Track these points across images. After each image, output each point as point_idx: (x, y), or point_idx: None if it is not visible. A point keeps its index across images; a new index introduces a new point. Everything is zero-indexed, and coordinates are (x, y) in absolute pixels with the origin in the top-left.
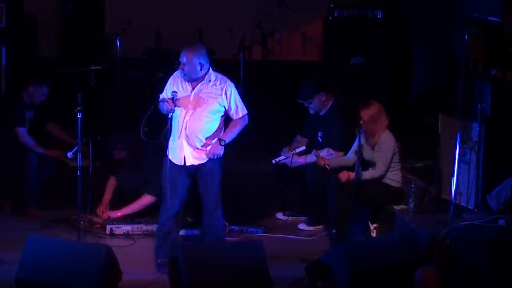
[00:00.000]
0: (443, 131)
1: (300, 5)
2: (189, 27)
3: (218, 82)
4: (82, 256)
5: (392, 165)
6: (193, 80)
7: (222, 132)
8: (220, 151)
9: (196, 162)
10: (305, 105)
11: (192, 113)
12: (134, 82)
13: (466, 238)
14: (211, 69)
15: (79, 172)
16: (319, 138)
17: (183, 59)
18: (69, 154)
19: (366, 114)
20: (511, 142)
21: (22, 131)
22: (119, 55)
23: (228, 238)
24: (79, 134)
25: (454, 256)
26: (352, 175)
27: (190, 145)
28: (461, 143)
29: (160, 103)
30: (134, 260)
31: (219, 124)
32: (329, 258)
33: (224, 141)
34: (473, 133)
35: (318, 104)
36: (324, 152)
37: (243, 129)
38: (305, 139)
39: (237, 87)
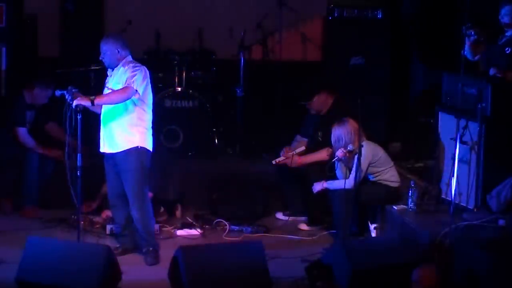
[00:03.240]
0: (442, 131)
1: (300, 5)
2: (189, 27)
3: (126, 67)
4: (82, 256)
5: (383, 167)
6: (111, 68)
7: (138, 117)
8: (83, 102)
9: (110, 150)
10: (306, 105)
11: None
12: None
13: (466, 238)
14: (128, 58)
15: (79, 172)
16: (319, 138)
17: (101, 48)
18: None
19: (332, 134)
20: (511, 142)
21: (22, 131)
22: None
23: (228, 238)
24: (79, 134)
25: (454, 256)
26: (324, 184)
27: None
28: (461, 143)
29: None
30: (134, 260)
31: (132, 112)
32: (329, 258)
33: (95, 97)
34: (473, 133)
35: (319, 104)
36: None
37: (124, 101)
38: (305, 139)
39: (237, 87)
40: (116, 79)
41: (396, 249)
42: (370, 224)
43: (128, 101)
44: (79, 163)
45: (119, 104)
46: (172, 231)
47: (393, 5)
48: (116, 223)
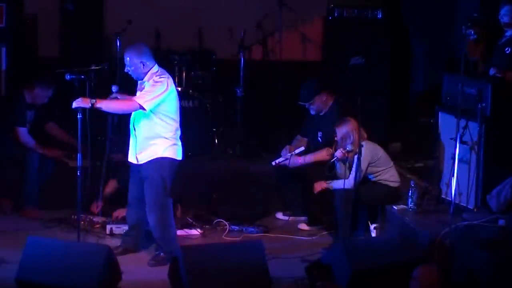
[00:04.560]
0: (442, 131)
1: (300, 5)
2: (189, 27)
3: (150, 79)
4: (82, 256)
5: (383, 167)
6: (140, 79)
7: (161, 129)
8: (82, 104)
9: (134, 161)
10: (306, 106)
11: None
12: (134, 82)
13: (466, 238)
14: (154, 68)
15: (79, 172)
16: (319, 138)
17: (125, 60)
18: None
19: (338, 132)
20: (511, 142)
21: (22, 131)
22: (119, 55)
23: (228, 238)
24: (79, 134)
25: (454, 256)
26: (325, 185)
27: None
28: (461, 143)
29: None
30: (134, 260)
31: (155, 124)
32: (329, 258)
33: (95, 101)
34: (473, 133)
35: (319, 104)
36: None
37: (130, 111)
38: (305, 139)
39: (237, 87)
40: (142, 89)
41: (396, 249)
42: (370, 224)
43: (150, 113)
44: (79, 163)
45: (143, 116)
46: None
47: (393, 5)
48: (127, 222)
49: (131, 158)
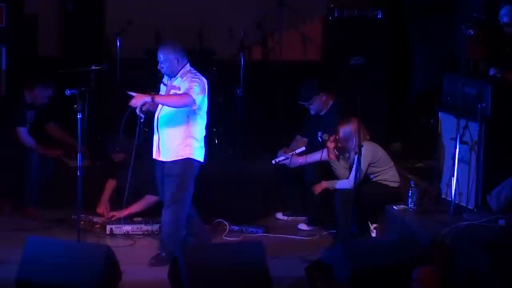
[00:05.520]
0: (443, 131)
1: (300, 5)
2: (189, 27)
3: (185, 77)
4: (82, 256)
5: (383, 167)
6: (170, 77)
7: (193, 129)
8: (142, 99)
9: (161, 159)
10: (306, 106)
11: (161, 110)
12: (134, 82)
13: (466, 238)
14: (187, 66)
15: (79, 172)
16: (319, 138)
17: (160, 57)
18: None
19: (341, 131)
20: (511, 142)
21: (22, 131)
22: (119, 55)
23: (228, 238)
24: (79, 135)
25: (454, 256)
26: (325, 185)
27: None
28: (461, 143)
29: None
30: (134, 260)
31: (187, 123)
32: (329, 258)
33: (154, 95)
34: (473, 133)
35: (319, 104)
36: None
37: (184, 106)
38: (305, 139)
39: (237, 87)
40: (175, 88)
41: (396, 249)
42: (370, 224)
43: (185, 112)
44: (79, 163)
45: (176, 114)
46: None
47: (393, 5)
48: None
49: (157, 155)
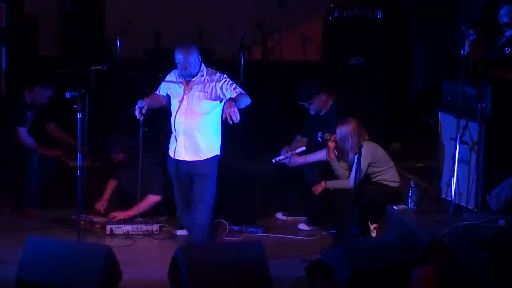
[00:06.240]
0: (442, 131)
1: (300, 5)
2: (189, 27)
3: (209, 76)
4: (82, 256)
5: (383, 167)
6: (190, 77)
7: (219, 129)
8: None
9: (191, 159)
10: (306, 106)
11: (186, 110)
12: (134, 82)
13: (466, 238)
14: (203, 64)
15: (79, 172)
16: (319, 138)
17: (180, 58)
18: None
19: (338, 132)
20: (511, 142)
21: (22, 131)
22: (119, 55)
23: (228, 238)
24: (79, 135)
25: (454, 256)
26: (324, 185)
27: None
28: (461, 143)
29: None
30: (134, 260)
31: (215, 121)
32: (329, 258)
33: (235, 101)
34: (473, 133)
35: (319, 104)
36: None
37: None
38: (305, 139)
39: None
40: (200, 87)
41: (396, 249)
42: (370, 224)
43: (218, 111)
44: (79, 163)
45: (210, 115)
46: (172, 231)
47: (393, 5)
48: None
49: (184, 156)
